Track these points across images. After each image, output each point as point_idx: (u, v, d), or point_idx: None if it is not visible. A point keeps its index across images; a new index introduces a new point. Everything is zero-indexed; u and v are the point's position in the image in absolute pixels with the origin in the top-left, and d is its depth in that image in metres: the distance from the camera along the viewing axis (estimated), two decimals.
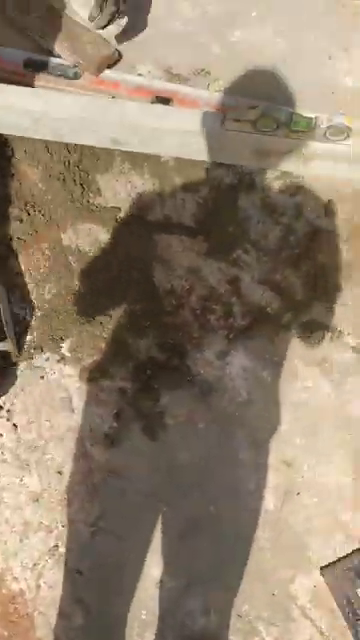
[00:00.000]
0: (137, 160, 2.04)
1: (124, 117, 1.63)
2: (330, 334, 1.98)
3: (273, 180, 2.07)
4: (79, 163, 2.02)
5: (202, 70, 2.15)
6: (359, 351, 1.96)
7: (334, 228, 2.06)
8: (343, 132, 1.59)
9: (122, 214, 2.04)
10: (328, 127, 1.59)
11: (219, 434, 1.90)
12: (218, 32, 2.20)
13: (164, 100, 1.97)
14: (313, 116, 1.61)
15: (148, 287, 1.99)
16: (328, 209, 2.06)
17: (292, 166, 1.76)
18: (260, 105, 1.75)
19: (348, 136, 1.59)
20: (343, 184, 2.06)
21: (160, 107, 1.72)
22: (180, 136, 1.63)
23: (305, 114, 1.66)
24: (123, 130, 1.67)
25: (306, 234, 2.06)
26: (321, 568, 1.79)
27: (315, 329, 1.98)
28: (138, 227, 2.03)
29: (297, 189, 2.07)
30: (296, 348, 1.98)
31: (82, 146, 2.00)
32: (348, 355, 1.96)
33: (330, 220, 2.06)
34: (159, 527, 1.82)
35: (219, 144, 1.68)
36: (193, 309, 2.00)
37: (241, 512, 1.85)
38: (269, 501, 1.85)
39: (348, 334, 1.98)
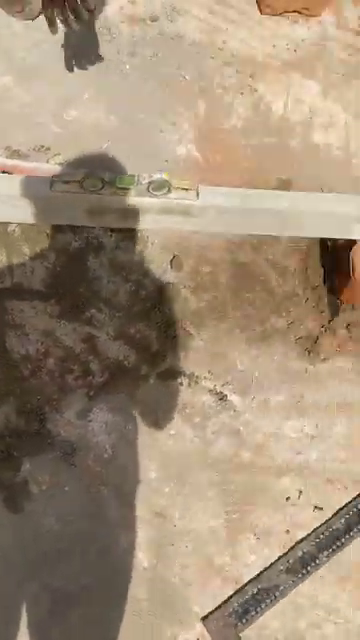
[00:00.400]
0: None
1: None
2: (187, 380, 2.03)
3: (119, 240, 2.17)
4: None
5: (42, 147, 2.28)
6: (216, 393, 2.02)
7: (180, 281, 2.17)
8: (164, 186, 1.72)
9: None
10: (150, 182, 1.71)
11: (86, 494, 1.84)
12: (55, 113, 2.35)
13: (5, 174, 2.05)
14: (136, 174, 1.73)
15: (1, 354, 1.96)
16: (174, 263, 2.18)
17: (128, 223, 1.87)
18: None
19: (170, 190, 1.73)
20: (186, 238, 2.20)
21: None
22: (8, 201, 1.69)
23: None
24: None
25: (155, 288, 2.15)
26: (202, 619, 1.73)
27: (172, 377, 2.03)
28: None
29: (143, 246, 2.18)
30: (156, 398, 2.00)
31: None
32: (206, 398, 2.01)
33: (176, 273, 2.18)
34: (26, 606, 1.69)
35: (51, 206, 1.75)
36: (50, 371, 1.98)
37: (115, 574, 1.77)
38: (143, 558, 1.80)
39: (204, 378, 2.04)
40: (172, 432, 1.96)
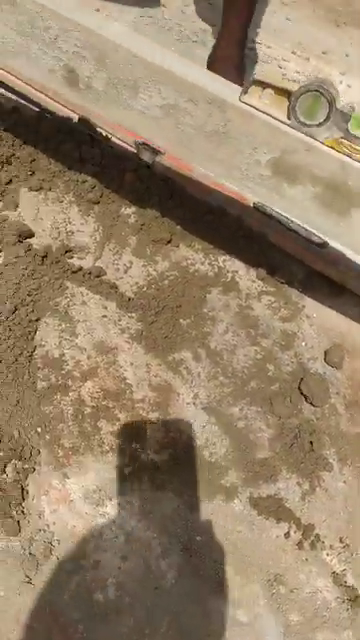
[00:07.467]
0: None
1: None
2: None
3: (263, 287, 1.41)
4: None
5: None
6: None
7: (333, 380, 1.33)
8: None
9: None
10: None
11: None
12: None
13: None
14: None
15: None
16: (331, 353, 1.36)
17: None
18: None
19: None
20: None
21: None
22: None
23: None
24: None
25: (292, 372, 1.32)
26: None
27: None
28: None
29: (295, 312, 1.40)
30: None
31: None
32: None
33: (330, 368, 1.35)
34: None
35: None
36: None
37: None
38: None
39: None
40: None
